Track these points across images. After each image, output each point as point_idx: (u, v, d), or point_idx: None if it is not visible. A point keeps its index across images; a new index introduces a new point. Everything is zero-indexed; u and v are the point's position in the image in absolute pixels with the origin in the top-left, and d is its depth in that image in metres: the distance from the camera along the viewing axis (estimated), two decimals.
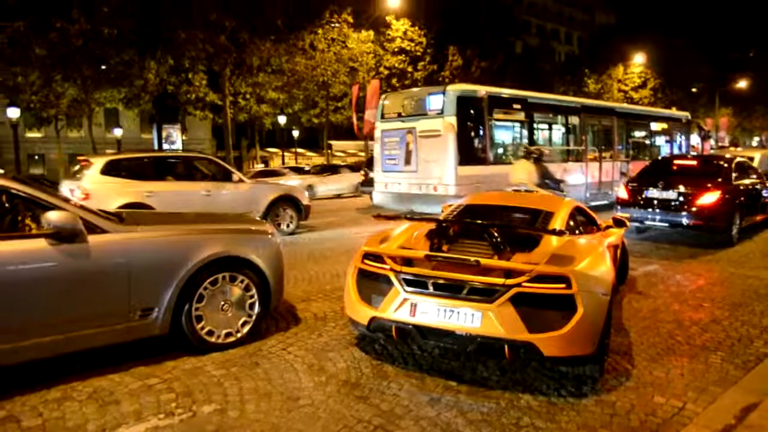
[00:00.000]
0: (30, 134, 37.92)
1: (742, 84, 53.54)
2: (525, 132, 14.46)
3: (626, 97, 45.36)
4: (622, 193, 10.98)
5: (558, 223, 5.11)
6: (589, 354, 4.01)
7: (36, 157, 39.34)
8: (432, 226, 4.93)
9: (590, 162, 15.66)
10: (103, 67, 26.08)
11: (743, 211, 10.35)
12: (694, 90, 51.05)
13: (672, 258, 8.88)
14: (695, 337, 5.20)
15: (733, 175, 10.54)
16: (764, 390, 3.97)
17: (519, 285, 3.92)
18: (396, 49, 33.21)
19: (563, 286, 3.90)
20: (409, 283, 4.22)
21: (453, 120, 12.48)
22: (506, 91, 14.86)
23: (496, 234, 4.52)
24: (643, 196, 10.45)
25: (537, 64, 43.67)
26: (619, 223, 6.23)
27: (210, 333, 4.68)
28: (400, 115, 13.72)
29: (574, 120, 15.83)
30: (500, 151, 13.87)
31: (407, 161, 13.33)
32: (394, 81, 33.36)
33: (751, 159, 13.92)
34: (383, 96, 14.74)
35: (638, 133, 18.60)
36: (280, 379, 4.23)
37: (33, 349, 3.90)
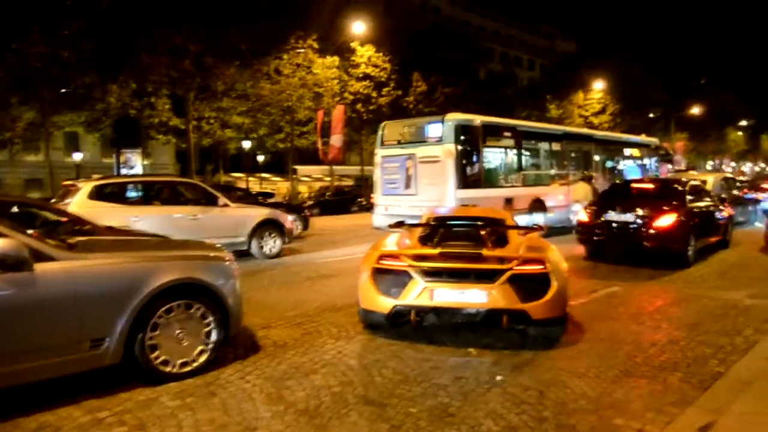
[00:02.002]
0: None
1: (696, 110, 55.58)
2: (515, 157, 15.46)
3: (586, 122, 46.53)
4: (582, 216, 11.22)
5: (513, 225, 6.78)
6: (561, 316, 5.60)
7: None
8: (419, 231, 6.37)
9: (571, 185, 16.53)
10: (63, 90, 25.59)
11: (698, 232, 10.64)
12: (651, 115, 52.73)
13: (631, 279, 9.05)
14: (653, 358, 5.27)
15: (688, 198, 10.85)
16: (719, 409, 4.03)
17: (511, 269, 5.35)
18: (361, 75, 33.46)
19: (541, 267, 5.42)
20: (427, 274, 5.43)
21: (452, 147, 13.31)
22: (498, 120, 15.87)
23: (482, 233, 6.15)
24: (603, 218, 10.66)
25: (500, 89, 44.55)
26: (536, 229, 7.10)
27: (165, 363, 4.55)
28: (399, 142, 14.52)
29: (557, 146, 17.07)
30: (493, 175, 14.72)
31: (407, 185, 14.12)
32: (358, 106, 33.57)
33: (704, 182, 14.37)
34: (383, 124, 15.51)
35: (614, 158, 19.81)
36: (237, 409, 4.12)
37: None
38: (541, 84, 53.63)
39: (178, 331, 4.62)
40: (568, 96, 47.66)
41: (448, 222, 6.82)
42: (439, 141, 13.48)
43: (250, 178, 42.17)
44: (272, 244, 11.90)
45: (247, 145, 36.72)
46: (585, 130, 23.42)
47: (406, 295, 5.46)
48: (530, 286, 5.36)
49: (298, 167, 42.12)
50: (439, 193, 13.22)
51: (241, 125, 32.04)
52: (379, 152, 15.00)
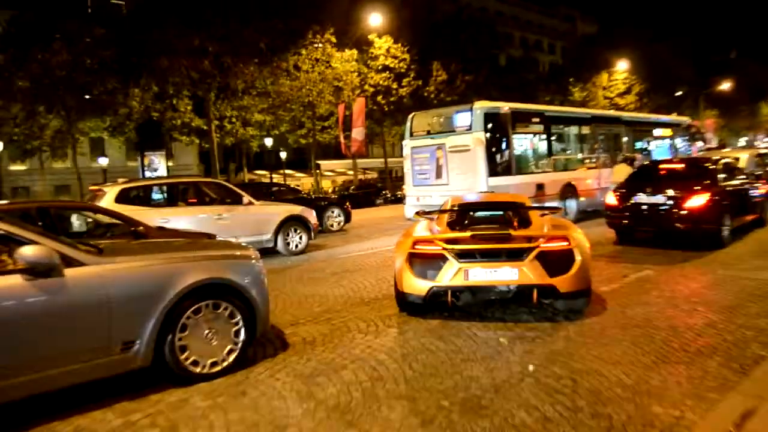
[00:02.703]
0: (13, 167, 37.70)
1: (726, 85, 54.16)
2: (544, 143, 15.45)
3: (611, 103, 45.71)
4: (611, 199, 11.01)
5: (532, 206, 7.22)
6: (586, 289, 5.99)
7: (19, 190, 39.09)
8: (446, 218, 6.75)
9: (601, 168, 16.57)
10: (87, 96, 26.03)
11: (732, 211, 10.37)
12: (678, 93, 51.55)
13: (664, 263, 8.86)
14: (691, 342, 5.15)
15: (720, 176, 10.57)
16: (762, 394, 3.91)
17: (538, 246, 5.79)
18: (380, 67, 33.33)
19: (566, 243, 5.87)
20: (460, 256, 5.87)
21: (481, 135, 13.45)
22: (526, 106, 15.94)
23: (506, 216, 6.75)
24: (632, 201, 10.46)
25: (522, 74, 44.02)
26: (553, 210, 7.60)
27: (195, 363, 4.58)
28: (428, 132, 14.75)
29: (585, 130, 16.99)
30: (523, 161, 14.75)
31: (438, 175, 14.33)
32: (379, 98, 33.47)
33: (737, 159, 14.00)
34: (411, 115, 15.70)
35: (643, 139, 19.56)
36: (267, 407, 4.13)
37: (10, 390, 3.79)
38: (563, 67, 52.84)
39: (206, 331, 4.64)
40: (591, 78, 46.84)
41: (471, 207, 7.24)
42: (468, 130, 13.59)
43: (274, 176, 42.43)
44: (297, 240, 11.98)
45: (269, 142, 36.89)
46: (613, 112, 23.11)
47: (442, 277, 5.89)
48: (556, 261, 5.79)
49: (321, 162, 42.37)
50: (470, 181, 13.33)
51: (262, 123, 32.22)
52: (408, 143, 15.18)
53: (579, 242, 6.01)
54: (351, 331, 5.95)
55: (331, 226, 16.62)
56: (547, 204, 13.23)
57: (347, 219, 17.22)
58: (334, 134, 33.78)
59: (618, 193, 10.90)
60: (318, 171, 39.89)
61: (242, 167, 40.56)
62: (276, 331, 6.02)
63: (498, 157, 13.77)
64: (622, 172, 13.17)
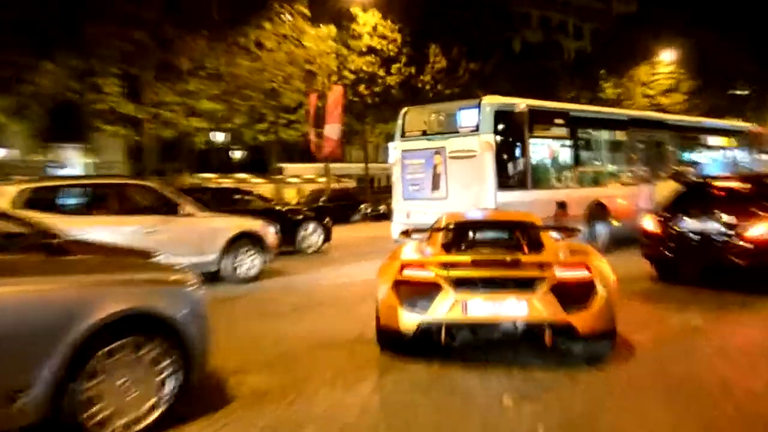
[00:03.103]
0: None
1: None
2: (569, 150, 15.63)
3: (653, 103, 46.18)
4: (649, 224, 11.03)
5: (545, 226, 7.55)
6: (609, 329, 6.18)
7: None
8: (440, 238, 6.97)
9: (640, 184, 16.72)
10: None
11: None
12: (738, 92, 52.18)
13: (716, 306, 8.91)
14: (748, 408, 5.12)
15: None
16: None
17: (552, 275, 5.94)
18: (364, 49, 33.48)
19: (586, 273, 6.06)
20: (458, 284, 6.01)
21: (490, 138, 13.52)
22: (547, 104, 16.15)
23: (513, 238, 7.09)
24: (677, 228, 10.50)
25: (540, 62, 44.38)
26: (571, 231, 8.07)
27: (102, 424, 4.42)
28: (425, 132, 14.89)
29: (621, 135, 17.21)
30: (541, 173, 14.87)
31: (435, 186, 14.45)
32: (361, 88, 33.58)
33: None
34: (404, 110, 15.77)
35: (694, 149, 19.88)
36: None
37: None
38: (592, 56, 53.42)
39: (123, 379, 4.52)
40: (627, 71, 47.38)
41: (471, 226, 7.63)
42: (475, 131, 13.67)
43: (224, 180, 42.32)
44: (250, 263, 11.95)
45: (219, 138, 36.81)
46: (656, 115, 23.40)
47: (435, 309, 6.04)
48: (574, 294, 5.99)
49: (284, 165, 42.27)
50: (474, 195, 13.41)
51: (212, 113, 32.08)
52: (399, 145, 15.30)
53: (602, 272, 6.23)
54: (314, 382, 5.88)
55: (307, 246, 16.83)
56: (566, 226, 13.30)
57: (327, 237, 17.42)
58: (303, 131, 33.74)
59: (659, 217, 10.94)
60: (280, 176, 39.90)
61: (183, 168, 40.29)
62: (217, 379, 5.93)
63: (510, 166, 13.88)
64: (666, 190, 13.26)
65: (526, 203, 13.07)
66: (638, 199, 16.29)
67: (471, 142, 13.69)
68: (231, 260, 11.65)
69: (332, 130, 28.96)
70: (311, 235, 17.02)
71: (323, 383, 5.87)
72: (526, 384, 5.73)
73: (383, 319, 6.43)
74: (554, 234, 7.54)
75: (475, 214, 8.81)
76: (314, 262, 15.12)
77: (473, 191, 13.50)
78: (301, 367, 6.38)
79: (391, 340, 6.53)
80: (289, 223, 16.31)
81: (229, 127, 35.80)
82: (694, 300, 9.31)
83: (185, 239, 10.95)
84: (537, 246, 6.73)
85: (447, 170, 14.16)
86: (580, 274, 6.09)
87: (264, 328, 8.14)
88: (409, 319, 6.13)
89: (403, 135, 15.30)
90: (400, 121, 15.51)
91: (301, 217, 17.54)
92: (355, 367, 6.33)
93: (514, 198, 13.40)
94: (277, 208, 18.74)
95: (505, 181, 13.57)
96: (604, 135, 16.94)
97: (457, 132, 14.03)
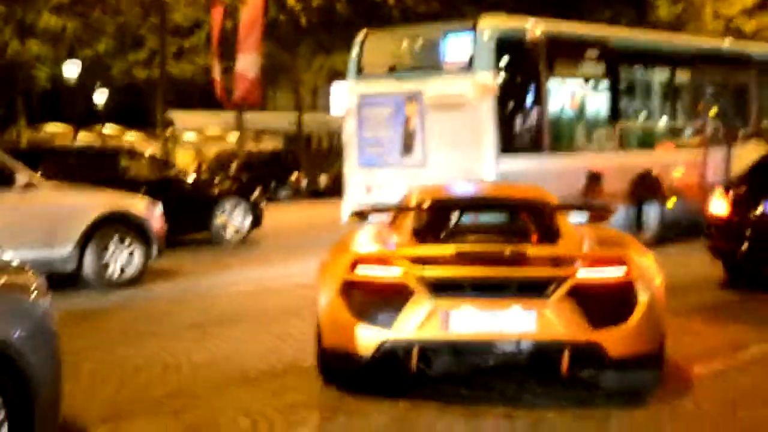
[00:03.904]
0: None
1: None
2: (604, 97, 15.75)
3: (729, 28, 46.44)
4: (719, 206, 11.11)
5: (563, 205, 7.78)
6: (654, 352, 6.18)
7: None
8: (410, 222, 7.03)
9: (710, 147, 16.79)
10: None
11: None
12: None
13: None
14: None
15: None
16: None
17: (573, 275, 5.89)
18: None
19: (622, 272, 6.01)
20: (437, 288, 5.95)
21: (489, 78, 13.58)
22: (574, 28, 16.32)
23: (517, 222, 7.27)
24: (759, 211, 10.63)
25: None
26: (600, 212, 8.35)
27: None
28: (393, 69, 15.23)
29: (683, 75, 17.35)
30: (564, 130, 15.07)
31: (407, 148, 14.61)
32: (291, 0, 33.28)
33: None
34: (362, 35, 15.76)
35: None
36: None
37: None
38: None
39: None
40: None
41: (456, 205, 7.73)
42: (467, 68, 13.74)
43: (83, 134, 41.68)
44: (125, 259, 11.93)
45: (72, 71, 36.06)
46: (735, 45, 23.40)
47: (403, 324, 5.97)
48: (605, 302, 5.99)
49: (174, 114, 41.66)
50: (465, 162, 13.50)
51: (58, 34, 31.56)
52: (355, 88, 15.47)
53: (645, 271, 6.24)
54: None
55: (229, 234, 17.18)
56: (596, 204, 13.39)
57: (256, 221, 17.79)
58: (203, 64, 33.50)
59: (734, 196, 11.03)
60: (171, 129, 39.38)
61: (16, 116, 39.52)
62: (76, 430, 5.86)
63: (519, 120, 14.08)
64: (748, 156, 13.23)
65: (542, 173, 13.16)
66: (705, 170, 16.46)
67: (461, 84, 13.74)
68: (96, 255, 11.56)
69: (247, 63, 28.83)
70: (235, 217, 17.26)
71: None
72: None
73: (328, 339, 6.40)
74: (576, 216, 7.63)
75: (461, 188, 8.88)
76: (227, 258, 15.25)
77: (463, 156, 13.58)
78: (202, 413, 6.29)
79: (338, 369, 6.51)
80: (201, 200, 16.70)
81: (89, 56, 35.17)
82: None
83: (23, 223, 10.89)
84: (551, 234, 6.76)
85: (425, 125, 14.23)
86: (614, 273, 6.04)
87: (146, 356, 8.03)
88: (365, 338, 6.06)
89: (359, 72, 15.41)
90: (355, 52, 15.55)
91: (217, 191, 17.71)
92: (284, 411, 6.25)
93: (524, 166, 13.49)
94: (181, 178, 18.65)
95: (510, 142, 13.72)
96: (658, 74, 17.07)
97: (441, 69, 14.15)
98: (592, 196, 13.97)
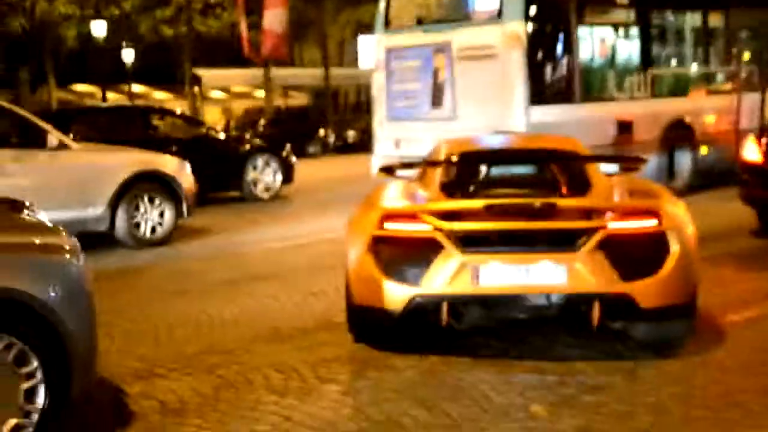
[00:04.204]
0: None
1: None
2: (634, 45, 15.72)
3: None
4: (752, 151, 11.05)
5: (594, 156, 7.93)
6: (686, 302, 6.22)
7: None
8: (438, 176, 7.02)
9: (745, 92, 16.44)
10: None
11: None
12: None
13: None
14: None
15: None
16: None
17: (604, 226, 5.96)
18: None
19: (654, 223, 6.05)
20: (466, 242, 6.00)
21: (520, 27, 13.59)
22: None
23: (547, 174, 7.27)
24: None
25: None
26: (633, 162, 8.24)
27: None
28: (420, 21, 15.24)
29: (716, 19, 17.17)
30: (594, 79, 15.08)
31: (436, 101, 14.67)
32: None
33: None
34: None
35: None
36: None
37: None
38: None
39: None
40: None
41: (484, 158, 7.78)
42: (497, 17, 13.70)
43: (112, 94, 41.77)
44: (156, 218, 12.00)
45: (100, 31, 36.04)
46: None
47: (432, 278, 6.03)
48: (636, 254, 6.04)
49: (202, 72, 41.73)
50: (495, 114, 13.50)
51: None
52: (383, 41, 15.50)
53: (678, 222, 6.26)
54: (255, 389, 5.91)
55: (260, 191, 17.45)
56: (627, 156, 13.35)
57: (287, 177, 17.96)
58: (229, 21, 33.41)
59: (767, 142, 10.96)
60: (197, 89, 39.53)
61: (46, 77, 39.64)
62: (110, 388, 5.94)
63: (549, 70, 14.12)
64: None
65: (573, 123, 13.20)
66: (739, 116, 16.25)
67: (490, 34, 13.75)
68: (127, 214, 11.63)
69: (274, 17, 28.62)
70: (268, 174, 17.46)
71: (268, 390, 5.88)
72: (564, 385, 5.77)
73: (357, 295, 6.45)
74: (607, 167, 7.59)
75: (489, 141, 8.90)
76: (258, 215, 15.25)
77: (493, 108, 13.58)
78: (235, 368, 6.36)
79: (369, 325, 6.59)
80: (232, 158, 16.89)
81: (116, 15, 35.13)
82: None
83: (57, 184, 10.92)
84: (581, 185, 6.78)
85: (454, 77, 14.25)
86: (646, 224, 6.08)
87: (179, 314, 8.12)
88: (394, 294, 6.11)
89: (387, 25, 15.42)
90: (382, 5, 15.52)
91: (248, 148, 17.91)
92: (315, 365, 6.33)
93: (555, 117, 13.53)
94: (213, 135, 18.76)
95: (540, 93, 13.74)
96: (690, 19, 16.89)
97: (470, 19, 14.19)
98: (622, 145, 13.93)
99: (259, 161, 17.51)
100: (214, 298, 8.77)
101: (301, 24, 37.56)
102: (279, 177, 17.78)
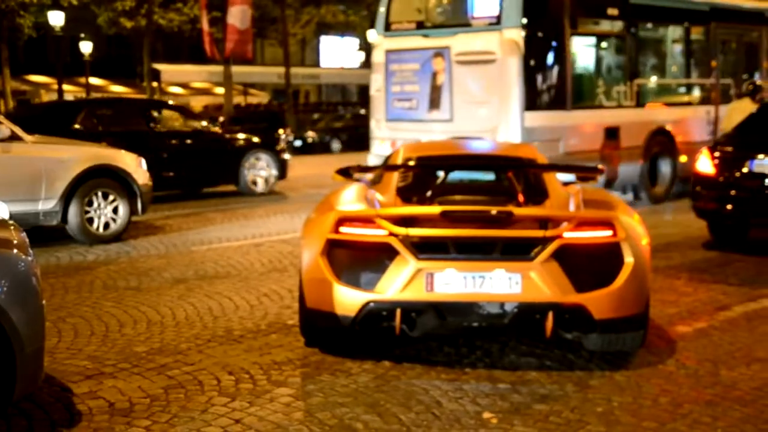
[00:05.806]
0: None
1: None
2: (624, 54, 15.97)
3: None
4: (705, 164, 11.10)
5: (551, 165, 8.11)
6: (639, 314, 6.27)
7: None
8: (394, 180, 7.07)
9: (719, 104, 17.08)
10: None
11: None
12: None
13: None
14: None
15: None
16: None
17: (560, 236, 5.96)
18: None
19: (609, 233, 6.09)
20: (422, 248, 6.02)
21: (517, 35, 13.71)
22: None
23: (504, 181, 7.22)
24: (745, 169, 10.65)
25: None
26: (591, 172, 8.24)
27: None
28: (421, 25, 15.37)
29: (697, 33, 17.46)
30: (587, 87, 15.32)
31: (434, 103, 14.79)
32: None
33: None
34: None
35: None
36: None
37: None
38: None
39: None
40: None
41: (442, 163, 7.62)
42: (495, 24, 13.87)
43: (68, 87, 41.36)
44: (109, 214, 11.92)
45: (57, 21, 35.66)
46: (751, 3, 23.45)
47: (387, 285, 6.04)
48: (590, 265, 6.11)
49: (161, 67, 41.45)
50: (491, 117, 13.75)
51: None
52: (383, 43, 15.59)
53: (632, 232, 6.31)
54: (204, 391, 5.90)
55: (254, 183, 17.86)
56: (596, 165, 13.40)
57: (281, 173, 18.35)
58: (192, 15, 33.22)
59: (719, 154, 11.02)
60: (156, 84, 39.21)
61: (1, 65, 39.13)
62: (56, 389, 5.90)
63: (545, 76, 14.20)
64: (738, 113, 13.26)
65: (565, 128, 13.77)
66: (716, 126, 16.63)
67: (489, 40, 13.91)
68: (80, 209, 11.54)
69: (238, 15, 28.44)
70: (262, 168, 17.91)
71: (219, 392, 5.87)
72: (517, 393, 5.80)
73: (310, 299, 6.42)
74: (564, 176, 7.67)
75: (449, 146, 8.98)
76: (204, 214, 15.20)
77: (490, 111, 13.81)
78: (185, 370, 6.35)
79: (321, 330, 6.58)
80: (230, 152, 17.27)
81: (73, 5, 34.75)
82: (765, 277, 9.53)
83: (7, 176, 10.82)
84: (538, 194, 6.82)
85: (452, 81, 14.39)
86: (601, 234, 6.12)
87: (130, 312, 8.07)
88: (348, 299, 6.10)
89: (387, 28, 15.51)
90: (383, 8, 15.61)
91: (244, 143, 18.16)
92: (267, 369, 6.33)
93: (548, 121, 13.84)
94: (213, 130, 18.72)
95: (535, 98, 13.90)
96: (674, 31, 17.29)
97: (469, 25, 14.31)
98: (609, 151, 14.31)
99: (257, 156, 17.88)
100: (166, 297, 8.72)
101: (263, 21, 37.41)
102: (274, 172, 18.08)
